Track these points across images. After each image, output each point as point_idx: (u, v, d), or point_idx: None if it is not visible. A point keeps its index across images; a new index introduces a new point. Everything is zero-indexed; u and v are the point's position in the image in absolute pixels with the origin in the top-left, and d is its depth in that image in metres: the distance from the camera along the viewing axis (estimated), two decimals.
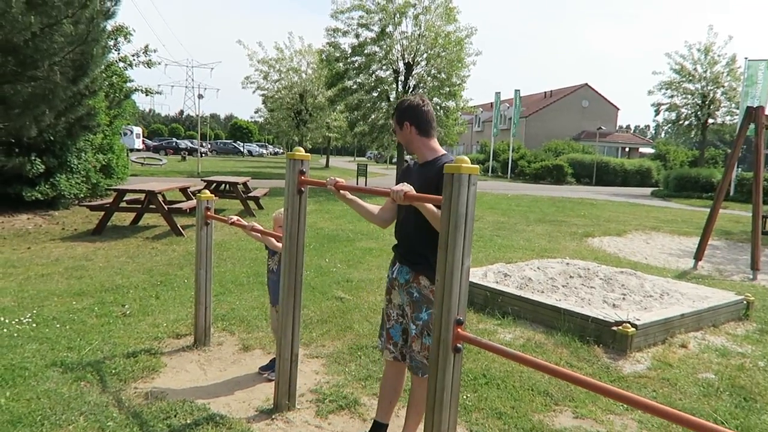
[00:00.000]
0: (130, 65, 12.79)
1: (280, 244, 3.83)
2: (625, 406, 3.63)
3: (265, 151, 68.31)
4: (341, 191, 3.01)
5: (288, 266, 3.33)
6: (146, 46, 12.87)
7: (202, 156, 32.12)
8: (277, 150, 76.00)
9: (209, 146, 59.17)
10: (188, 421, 3.20)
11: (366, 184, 22.23)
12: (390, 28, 20.56)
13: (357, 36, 20.88)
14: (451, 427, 2.37)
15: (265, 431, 3.18)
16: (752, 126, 8.57)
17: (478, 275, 6.15)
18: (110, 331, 4.64)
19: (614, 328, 4.59)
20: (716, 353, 4.68)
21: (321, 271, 7.22)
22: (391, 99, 21.80)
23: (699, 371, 4.27)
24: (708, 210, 18.82)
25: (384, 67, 21.37)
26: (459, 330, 2.32)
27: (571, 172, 35.22)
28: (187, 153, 47.21)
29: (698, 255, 8.86)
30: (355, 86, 21.45)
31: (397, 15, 20.45)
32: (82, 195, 12.38)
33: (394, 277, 2.98)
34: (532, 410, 3.54)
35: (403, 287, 2.91)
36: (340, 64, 21.72)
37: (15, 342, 4.31)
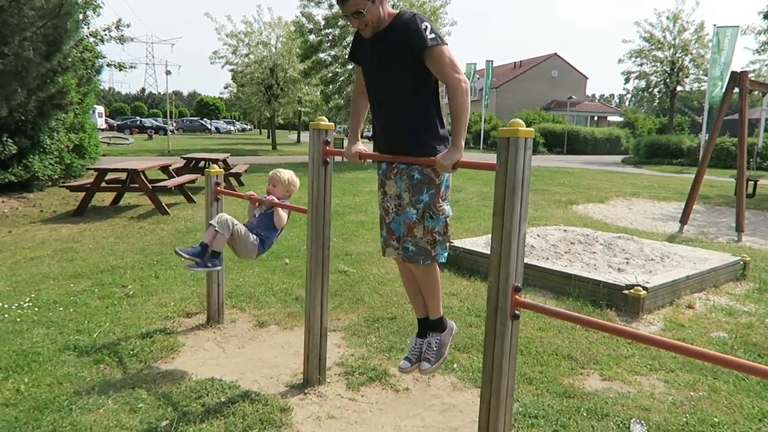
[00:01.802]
0: (102, 40, 12.28)
1: (285, 215, 3.76)
2: (649, 366, 3.70)
3: (232, 128, 67.13)
4: (359, 151, 2.97)
5: (315, 239, 3.26)
6: (119, 20, 12.35)
7: (169, 134, 31.27)
8: (244, 126, 74.72)
9: (175, 124, 57.81)
10: (222, 399, 3.14)
11: (343, 158, 22.00)
12: None
13: (330, 6, 20.48)
14: (509, 393, 2.36)
15: (302, 406, 3.14)
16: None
17: (480, 245, 6.16)
18: (117, 313, 4.51)
19: (626, 291, 4.65)
20: (723, 312, 4.79)
21: None
22: None
23: (711, 330, 4.37)
24: (680, 175, 19.23)
25: None
26: (517, 296, 2.29)
27: (543, 141, 35.53)
28: (153, 131, 46.05)
29: (684, 219, 9.05)
30: (329, 59, 21.09)
31: None
32: (56, 176, 11.95)
33: (388, 168, 2.82)
34: (560, 374, 3.57)
35: (403, 172, 2.73)
36: (313, 36, 21.32)
37: (20, 327, 4.15)
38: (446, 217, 2.78)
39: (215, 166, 4.22)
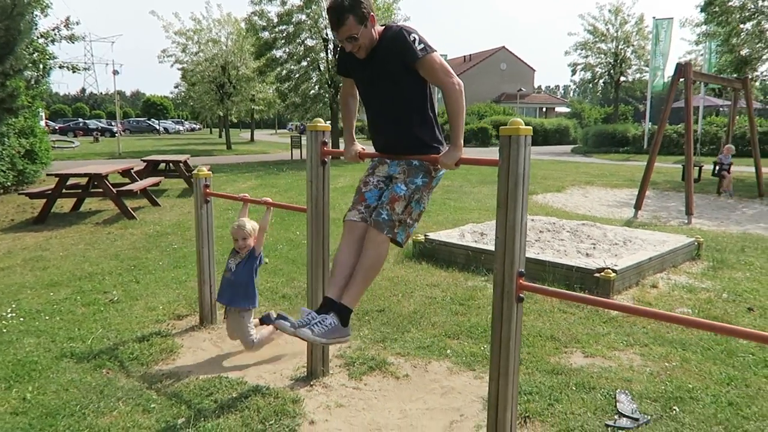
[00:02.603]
0: (53, 41, 11.91)
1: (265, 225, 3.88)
2: (624, 342, 4.00)
3: (181, 128, 65.67)
4: (359, 152, 3.11)
5: (315, 237, 3.39)
6: (67, 19, 11.98)
7: (118, 135, 30.40)
8: (193, 126, 73.16)
9: (121, 125, 56.13)
10: (233, 395, 3.24)
11: (301, 156, 21.99)
12: None
13: (283, 3, 20.38)
14: (515, 371, 2.57)
15: (310, 397, 3.27)
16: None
17: (455, 236, 6.39)
18: (106, 319, 4.51)
19: (597, 274, 4.96)
20: (684, 290, 5.17)
21: (294, 244, 7.23)
22: (321, 68, 21.54)
23: (675, 307, 4.73)
24: (627, 163, 20.04)
25: (312, 36, 21.03)
26: (521, 281, 2.49)
27: (495, 134, 36.26)
28: (99, 134, 44.64)
29: (638, 204, 9.55)
30: (284, 56, 21.00)
31: None
32: (8, 183, 11.57)
33: (386, 161, 2.97)
34: (546, 354, 3.82)
35: (401, 161, 2.88)
36: (267, 33, 21.17)
37: (9, 338, 4.12)
38: (423, 207, 2.93)
39: (203, 168, 4.26)
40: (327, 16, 2.87)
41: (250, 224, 3.89)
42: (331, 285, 2.82)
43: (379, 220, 2.76)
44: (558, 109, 53.34)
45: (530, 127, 2.44)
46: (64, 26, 12.14)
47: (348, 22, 2.64)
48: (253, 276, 3.85)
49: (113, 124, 52.03)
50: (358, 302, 2.80)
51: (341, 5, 2.62)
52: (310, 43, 21.31)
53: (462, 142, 2.74)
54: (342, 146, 3.25)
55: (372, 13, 2.71)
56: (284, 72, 21.47)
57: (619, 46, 30.64)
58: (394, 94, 2.83)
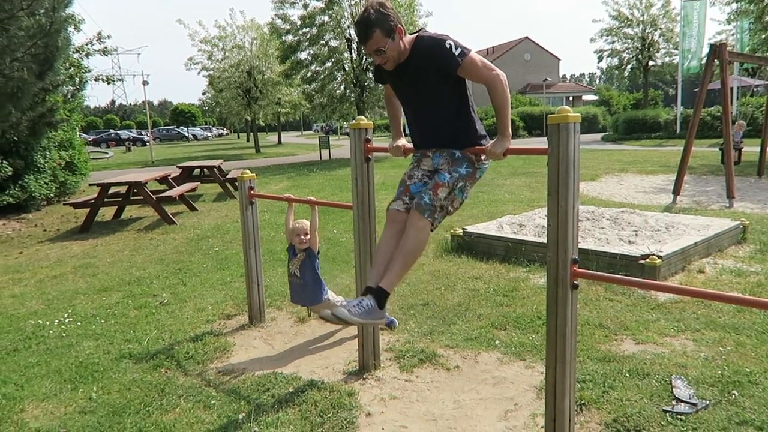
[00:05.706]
0: (87, 55, 12.25)
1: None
2: (675, 328, 3.95)
3: (209, 134, 66.78)
4: (403, 146, 3.12)
5: (362, 232, 3.44)
6: (99, 33, 12.32)
7: (150, 144, 31.07)
8: (221, 131, 74.31)
9: (152, 134, 57.28)
10: (290, 390, 3.31)
11: (330, 156, 22.15)
12: None
13: (305, 6, 20.54)
14: (572, 358, 2.57)
15: (364, 390, 3.33)
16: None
17: (492, 229, 6.38)
18: (158, 321, 4.65)
19: (642, 261, 4.91)
20: (732, 274, 5.08)
21: (332, 242, 7.31)
22: (346, 68, 21.65)
23: (725, 291, 4.65)
24: (660, 148, 19.66)
25: (336, 37, 21.15)
26: (575, 268, 2.50)
27: (522, 125, 35.92)
28: (131, 143, 45.66)
29: (676, 190, 9.38)
30: (309, 58, 21.18)
31: None
32: (51, 195, 11.94)
33: (429, 154, 2.94)
34: (596, 342, 3.80)
35: (444, 150, 2.87)
36: (290, 36, 21.37)
37: (69, 342, 4.28)
38: (465, 197, 2.92)
39: (247, 171, 4.35)
40: (355, 31, 2.88)
41: (307, 221, 3.96)
42: (371, 274, 2.81)
43: (421, 203, 2.76)
44: (585, 97, 52.60)
45: (579, 115, 2.45)
46: (97, 40, 12.46)
47: (375, 36, 2.66)
48: (317, 272, 3.93)
49: (143, 133, 53.22)
50: (395, 286, 2.77)
51: (368, 19, 2.66)
52: (333, 43, 21.44)
53: (510, 132, 2.75)
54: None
55: (399, 26, 2.72)
56: (309, 74, 21.64)
57: (646, 30, 30.02)
58: (432, 100, 2.83)
